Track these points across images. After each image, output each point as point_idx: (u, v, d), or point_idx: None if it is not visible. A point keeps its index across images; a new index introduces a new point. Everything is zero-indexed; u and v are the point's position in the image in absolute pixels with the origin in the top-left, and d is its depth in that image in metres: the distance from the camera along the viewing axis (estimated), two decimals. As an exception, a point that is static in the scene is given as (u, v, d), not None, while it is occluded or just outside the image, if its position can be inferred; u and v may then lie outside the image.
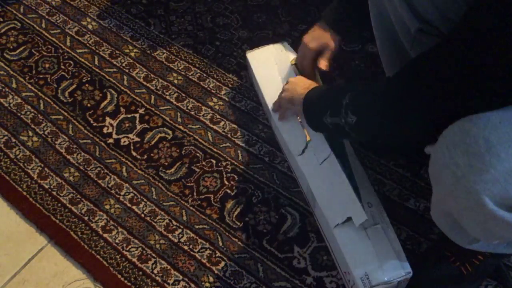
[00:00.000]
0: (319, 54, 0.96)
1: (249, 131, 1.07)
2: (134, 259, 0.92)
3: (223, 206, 0.98)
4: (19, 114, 1.11)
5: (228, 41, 1.22)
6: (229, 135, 1.07)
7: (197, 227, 0.95)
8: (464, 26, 0.55)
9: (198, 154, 1.05)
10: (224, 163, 1.03)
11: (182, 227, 0.95)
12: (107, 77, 1.17)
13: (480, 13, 0.52)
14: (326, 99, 0.80)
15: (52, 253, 0.93)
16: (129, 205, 0.98)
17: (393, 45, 0.81)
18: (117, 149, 1.06)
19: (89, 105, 1.13)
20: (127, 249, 0.93)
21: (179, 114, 1.11)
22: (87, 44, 1.23)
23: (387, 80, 0.69)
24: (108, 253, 0.93)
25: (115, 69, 1.18)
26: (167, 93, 1.14)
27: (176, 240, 0.94)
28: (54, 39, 1.24)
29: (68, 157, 1.05)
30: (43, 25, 1.27)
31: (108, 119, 1.10)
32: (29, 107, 1.12)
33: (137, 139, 1.07)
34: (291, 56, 1.05)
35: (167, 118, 1.10)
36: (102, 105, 1.13)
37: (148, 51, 1.21)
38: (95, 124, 1.10)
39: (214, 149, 1.05)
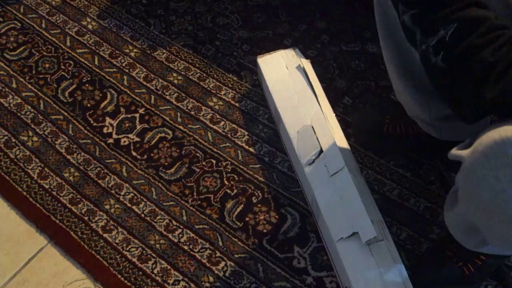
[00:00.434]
0: None
1: (249, 131, 1.07)
2: (134, 259, 0.92)
3: (223, 206, 0.98)
4: (19, 114, 1.11)
5: (228, 41, 1.22)
6: (229, 135, 1.07)
7: (197, 227, 0.95)
8: None
9: (198, 154, 1.05)
10: (224, 163, 1.03)
11: (182, 227, 0.95)
12: (107, 77, 1.17)
13: None
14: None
15: (52, 253, 0.93)
16: (129, 205, 0.98)
17: (398, 46, 0.80)
18: (117, 149, 1.06)
19: (89, 105, 1.13)
20: (127, 249, 0.93)
21: (179, 114, 1.11)
22: (87, 44, 1.23)
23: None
24: (108, 253, 0.93)
25: (115, 69, 1.18)
26: (167, 93, 1.14)
27: (176, 240, 0.94)
28: (54, 39, 1.24)
29: (68, 157, 1.05)
30: (43, 25, 1.27)
31: (108, 119, 1.10)
32: (29, 107, 1.12)
33: (137, 139, 1.07)
34: (302, 61, 1.05)
35: (167, 118, 1.10)
36: (102, 105, 1.12)
37: (148, 51, 1.21)
38: (95, 124, 1.10)
39: (214, 149, 1.05)
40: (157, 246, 0.93)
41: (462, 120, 0.59)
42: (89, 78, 1.17)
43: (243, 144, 1.05)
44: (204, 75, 1.17)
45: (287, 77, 1.02)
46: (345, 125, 1.06)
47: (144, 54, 1.21)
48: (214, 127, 1.08)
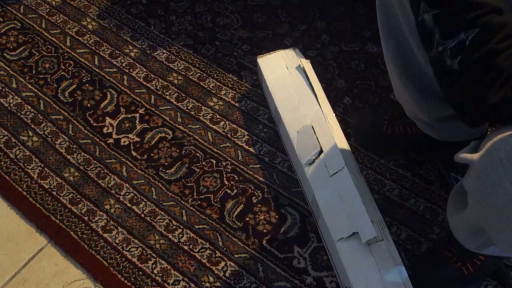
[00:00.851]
0: None
1: (249, 131, 1.07)
2: (134, 259, 0.92)
3: (223, 206, 0.98)
4: (19, 114, 1.11)
5: (228, 41, 1.22)
6: (229, 135, 1.07)
7: (197, 227, 0.95)
8: None
9: (198, 154, 1.05)
10: (224, 163, 1.03)
11: (182, 227, 0.95)
12: (107, 77, 1.17)
13: None
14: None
15: (52, 253, 0.93)
16: (129, 205, 0.98)
17: (399, 46, 0.80)
18: (117, 149, 1.06)
19: (89, 105, 1.13)
20: (127, 249, 0.93)
21: (179, 114, 1.11)
22: (87, 44, 1.23)
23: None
24: (108, 253, 0.93)
25: (115, 69, 1.18)
26: (167, 93, 1.14)
27: (176, 240, 0.94)
28: (54, 39, 1.24)
29: (68, 157, 1.05)
30: (43, 25, 1.27)
31: (108, 119, 1.10)
32: (29, 107, 1.12)
33: (137, 139, 1.07)
34: (302, 61, 1.05)
35: (167, 118, 1.10)
36: (102, 105, 1.12)
37: (148, 51, 1.21)
38: (95, 124, 1.10)
39: (214, 149, 1.05)
40: (157, 246, 0.93)
41: (466, 123, 0.59)
42: (89, 78, 1.17)
43: (243, 144, 1.05)
44: (204, 75, 1.17)
45: (287, 77, 1.02)
46: (345, 125, 1.06)
47: (144, 54, 1.21)
48: (214, 127, 1.08)
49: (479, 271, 0.83)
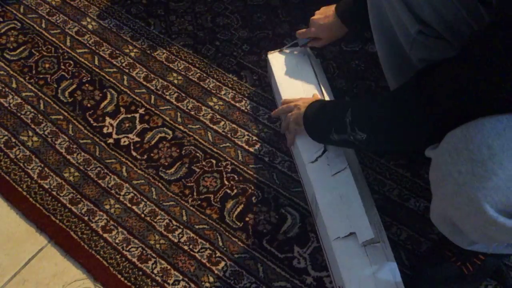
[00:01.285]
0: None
1: (249, 131, 1.07)
2: (134, 259, 0.92)
3: (223, 206, 0.98)
4: (19, 114, 1.11)
5: (228, 41, 1.22)
6: (229, 135, 1.07)
7: (197, 227, 0.95)
8: (481, 41, 0.54)
9: (198, 154, 1.05)
10: (224, 163, 1.03)
11: (182, 227, 0.95)
12: (107, 77, 1.17)
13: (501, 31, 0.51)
14: (328, 117, 0.80)
15: (52, 253, 0.93)
16: (129, 205, 0.98)
17: (392, 46, 0.82)
18: (117, 149, 1.06)
19: (89, 105, 1.13)
20: (127, 249, 0.93)
21: (179, 114, 1.11)
22: (87, 44, 1.23)
23: (395, 94, 0.69)
24: (108, 253, 0.93)
25: (115, 69, 1.18)
26: (167, 93, 1.14)
27: (176, 240, 0.94)
28: (54, 39, 1.24)
29: (68, 157, 1.05)
30: (43, 25, 1.27)
31: (108, 119, 1.10)
32: (29, 107, 1.12)
33: (137, 139, 1.07)
34: (312, 61, 1.06)
35: (167, 118, 1.10)
36: (102, 105, 1.12)
37: (148, 51, 1.21)
38: (95, 124, 1.10)
39: (214, 149, 1.05)
40: (157, 246, 0.93)
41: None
42: (89, 78, 1.17)
43: (243, 144, 1.05)
44: (204, 75, 1.17)
45: (297, 75, 1.03)
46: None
47: (144, 54, 1.21)
48: (214, 127, 1.08)
49: (479, 270, 0.83)
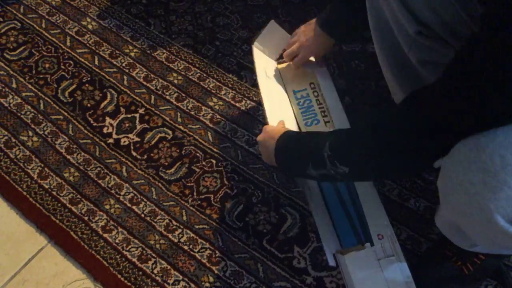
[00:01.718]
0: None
1: (249, 131, 1.07)
2: (134, 259, 0.92)
3: (223, 206, 0.98)
4: (19, 114, 1.11)
5: (228, 41, 1.22)
6: (229, 135, 1.07)
7: (197, 227, 0.95)
8: (479, 40, 0.52)
9: (198, 154, 1.05)
10: (224, 163, 1.03)
11: (182, 227, 0.95)
12: (107, 77, 1.17)
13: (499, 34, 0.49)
14: (303, 152, 0.75)
15: (52, 253, 0.93)
16: (129, 205, 0.98)
17: (391, 47, 0.81)
18: (117, 149, 1.06)
19: (89, 105, 1.13)
20: (127, 249, 0.93)
21: (179, 114, 1.11)
22: (87, 44, 1.23)
23: (375, 125, 0.66)
24: (108, 253, 0.93)
25: (115, 69, 1.18)
26: (167, 93, 1.14)
27: (176, 240, 0.94)
28: (54, 39, 1.24)
29: (68, 157, 1.05)
30: (43, 25, 1.27)
31: (108, 119, 1.10)
32: (29, 107, 1.12)
33: (137, 139, 1.07)
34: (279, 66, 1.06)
35: (167, 118, 1.10)
36: (102, 105, 1.12)
37: (148, 51, 1.21)
38: (95, 124, 1.10)
39: (214, 149, 1.05)
40: (157, 246, 0.93)
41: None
42: (89, 78, 1.17)
43: (243, 144, 1.05)
44: (204, 75, 1.17)
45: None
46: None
47: (144, 54, 1.21)
48: (214, 127, 1.08)
49: (479, 270, 0.83)
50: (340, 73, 1.15)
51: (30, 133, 1.08)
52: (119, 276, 0.90)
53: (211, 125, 1.09)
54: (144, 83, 1.16)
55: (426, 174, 1.00)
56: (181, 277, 0.90)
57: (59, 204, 0.99)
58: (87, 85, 1.16)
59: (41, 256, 0.93)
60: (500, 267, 0.87)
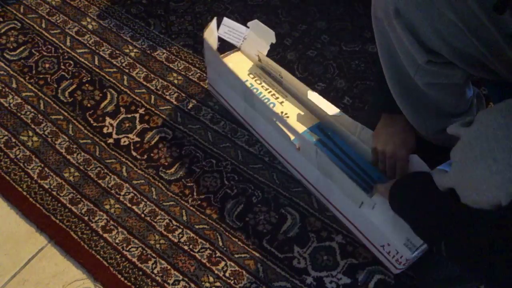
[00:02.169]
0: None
1: (249, 131, 1.07)
2: (134, 259, 0.92)
3: (223, 206, 0.98)
4: (19, 114, 1.11)
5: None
6: (229, 135, 1.07)
7: (197, 227, 0.95)
8: None
9: (198, 154, 1.05)
10: (224, 163, 1.03)
11: (182, 227, 0.95)
12: (107, 77, 1.17)
13: None
14: (420, 234, 0.74)
15: (52, 253, 0.93)
16: (129, 205, 0.98)
17: (396, 69, 0.79)
18: (117, 149, 1.06)
19: (89, 105, 1.13)
20: (127, 249, 0.93)
21: (179, 114, 1.11)
22: (87, 44, 1.23)
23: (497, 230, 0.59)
24: (108, 253, 0.93)
25: (115, 69, 1.18)
26: (167, 93, 1.14)
27: (176, 240, 0.94)
28: (54, 39, 1.24)
29: (68, 157, 1.05)
30: (43, 25, 1.27)
31: (108, 119, 1.10)
32: (29, 107, 1.12)
33: (137, 139, 1.07)
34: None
35: (167, 118, 1.10)
36: (102, 105, 1.13)
37: (148, 51, 1.21)
38: (95, 124, 1.10)
39: (214, 149, 1.05)
40: (157, 246, 0.93)
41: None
42: (89, 78, 1.17)
43: (243, 144, 1.06)
44: (204, 75, 1.17)
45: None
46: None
47: (144, 54, 1.21)
48: (214, 127, 1.08)
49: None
50: (340, 73, 1.15)
51: (30, 133, 1.08)
52: (119, 276, 0.90)
53: (211, 125, 1.09)
54: (144, 83, 1.16)
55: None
56: (181, 277, 0.90)
57: (59, 204, 0.99)
58: (87, 85, 1.16)
59: (41, 256, 0.93)
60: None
